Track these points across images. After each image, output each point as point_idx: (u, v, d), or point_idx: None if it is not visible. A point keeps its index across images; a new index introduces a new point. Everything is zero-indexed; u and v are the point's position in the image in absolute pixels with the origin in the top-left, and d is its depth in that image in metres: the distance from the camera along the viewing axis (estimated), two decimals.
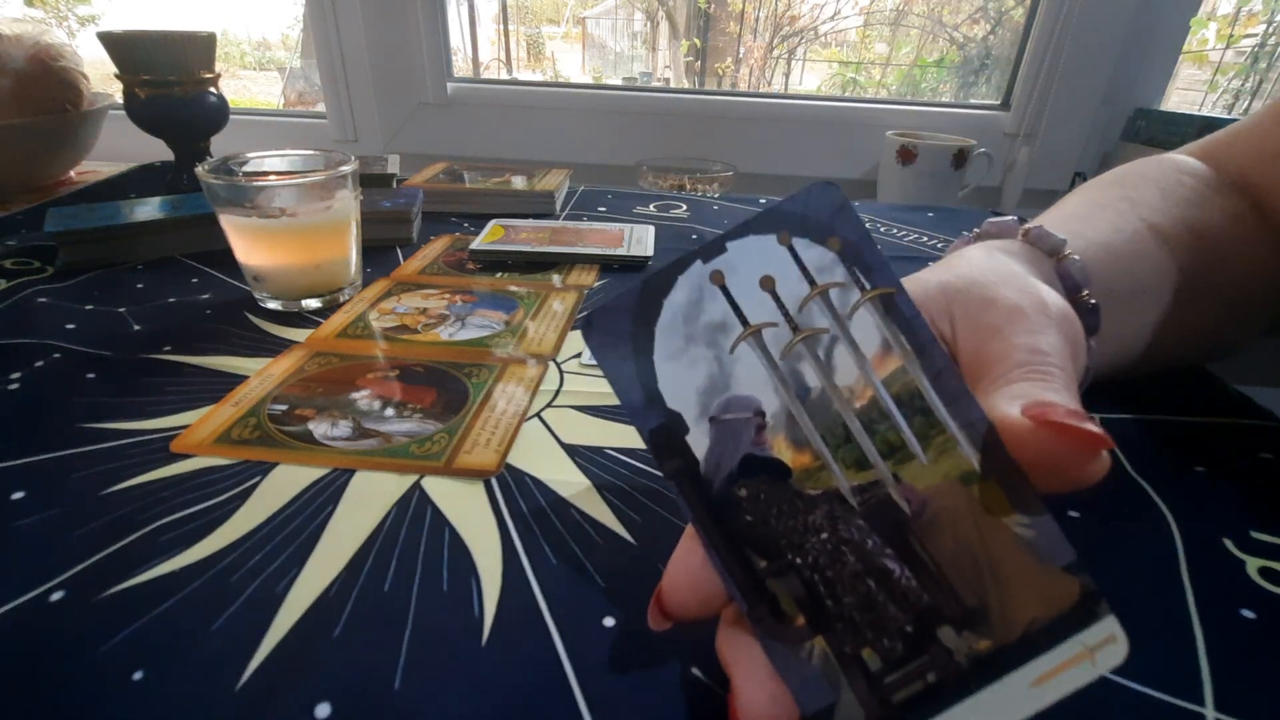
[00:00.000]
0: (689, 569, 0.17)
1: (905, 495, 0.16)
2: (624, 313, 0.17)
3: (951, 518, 0.15)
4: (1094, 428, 0.15)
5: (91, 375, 0.33)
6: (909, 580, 0.15)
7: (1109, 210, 0.30)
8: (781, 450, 0.16)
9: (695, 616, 0.17)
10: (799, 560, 0.16)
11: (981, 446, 0.15)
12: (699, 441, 0.17)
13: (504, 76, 1.19)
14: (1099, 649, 0.14)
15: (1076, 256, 0.25)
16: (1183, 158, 0.34)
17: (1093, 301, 0.25)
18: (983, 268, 0.22)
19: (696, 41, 1.21)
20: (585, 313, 0.43)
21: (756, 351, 0.17)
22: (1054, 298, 0.20)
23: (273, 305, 0.42)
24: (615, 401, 0.32)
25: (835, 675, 0.15)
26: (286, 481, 0.26)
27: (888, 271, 0.17)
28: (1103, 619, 0.14)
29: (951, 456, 0.16)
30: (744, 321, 0.17)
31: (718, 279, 0.17)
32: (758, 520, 0.16)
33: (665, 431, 0.17)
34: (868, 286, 0.17)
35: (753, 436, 0.16)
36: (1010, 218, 0.28)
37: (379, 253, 0.52)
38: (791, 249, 0.17)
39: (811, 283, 0.17)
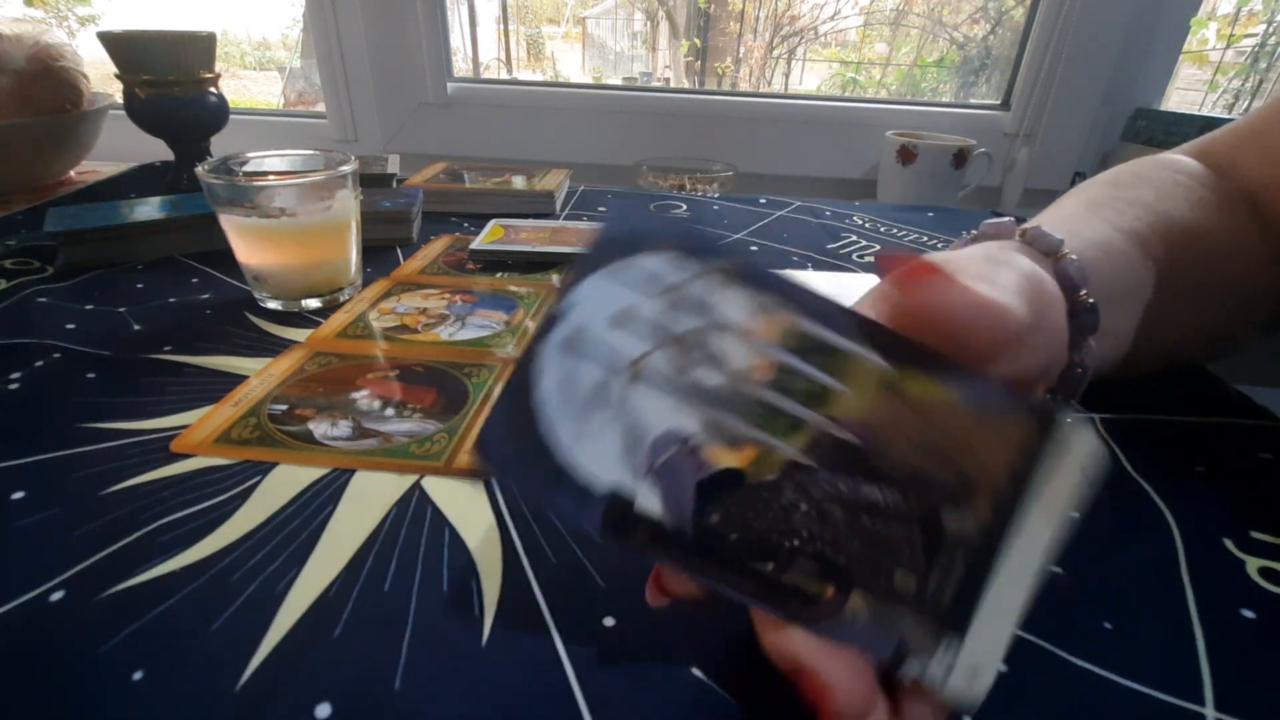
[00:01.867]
0: None
1: (847, 429, 0.16)
2: (505, 439, 0.16)
3: (895, 423, 0.16)
4: (927, 261, 0.16)
5: (91, 375, 0.33)
6: (893, 497, 0.16)
7: (1106, 210, 0.30)
8: (723, 457, 0.16)
9: (692, 596, 0.17)
10: (797, 542, 0.16)
11: (876, 346, 0.16)
12: (649, 500, 0.16)
13: (504, 76, 1.19)
14: (1075, 448, 0.15)
15: (1074, 256, 0.25)
16: (1179, 157, 0.34)
17: (1091, 301, 0.25)
18: (967, 256, 0.22)
19: (696, 41, 1.21)
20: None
21: (649, 385, 0.16)
22: (1027, 265, 0.20)
23: (273, 305, 0.42)
24: None
25: (886, 615, 0.15)
26: (286, 481, 0.26)
27: (717, 248, 0.16)
28: (1064, 424, 0.15)
29: (863, 373, 0.16)
30: (622, 366, 0.16)
31: (571, 346, 0.16)
32: (742, 531, 0.16)
33: (614, 513, 0.16)
34: (713, 268, 0.16)
35: (693, 463, 0.16)
36: (1008, 219, 0.28)
37: (379, 253, 0.52)
38: (628, 275, 0.16)
39: (661, 294, 0.16)
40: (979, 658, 0.15)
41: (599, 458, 0.16)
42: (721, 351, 0.16)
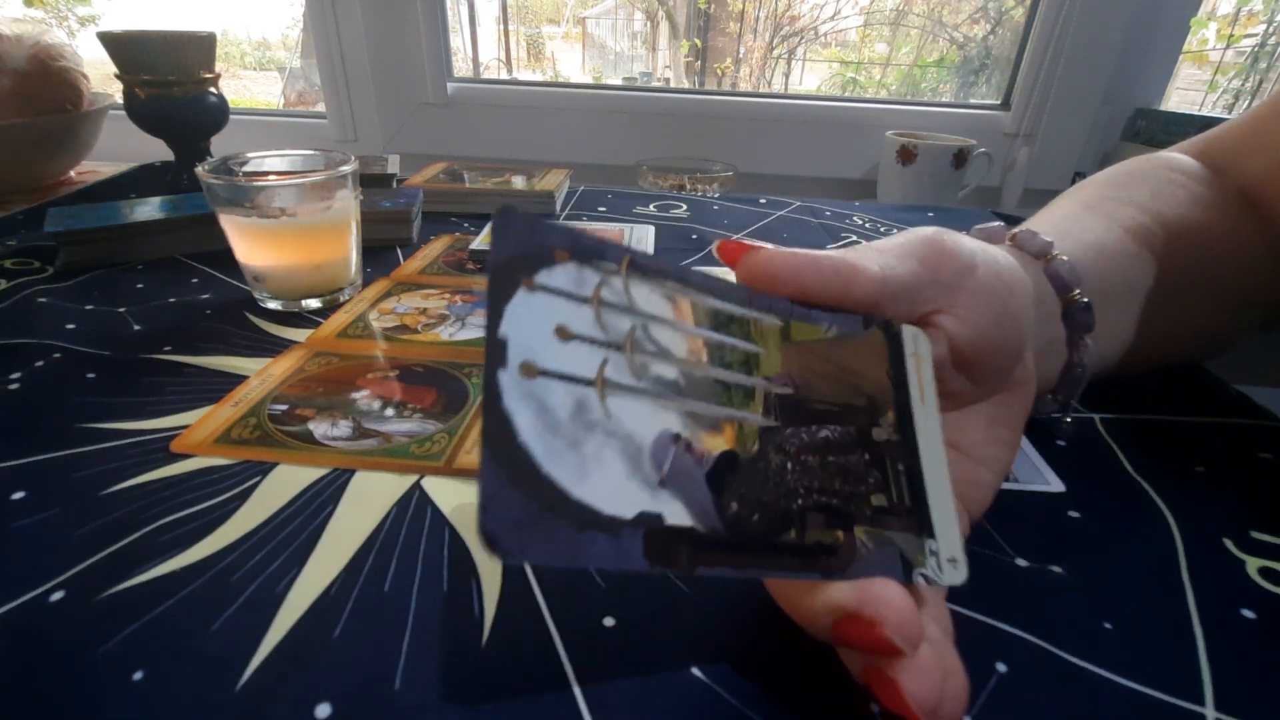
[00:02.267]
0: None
1: (779, 383, 0.18)
2: (510, 500, 0.14)
3: (805, 366, 0.18)
4: (742, 242, 0.19)
5: (91, 375, 0.33)
6: (837, 430, 0.18)
7: (1100, 210, 0.30)
8: (713, 443, 0.16)
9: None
10: (800, 502, 0.17)
11: (759, 308, 0.18)
12: (676, 512, 0.15)
13: (504, 76, 1.19)
14: (910, 343, 0.19)
15: (1065, 257, 0.25)
16: (1176, 155, 0.34)
17: (1085, 300, 0.25)
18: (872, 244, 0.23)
19: (696, 41, 1.21)
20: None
21: (622, 395, 0.15)
22: (933, 233, 0.21)
23: (273, 305, 0.42)
24: None
25: (881, 538, 0.17)
26: (286, 481, 0.26)
27: (612, 246, 0.16)
28: (896, 329, 0.19)
29: (766, 332, 0.18)
30: (588, 382, 0.15)
31: (530, 371, 0.15)
32: (759, 509, 0.16)
33: (652, 538, 0.15)
34: (614, 268, 0.16)
35: (693, 459, 0.16)
36: (997, 223, 0.28)
37: (379, 253, 0.52)
38: (544, 292, 0.15)
39: (584, 301, 0.16)
40: (951, 550, 0.17)
41: (611, 486, 0.15)
42: (663, 343, 0.16)
